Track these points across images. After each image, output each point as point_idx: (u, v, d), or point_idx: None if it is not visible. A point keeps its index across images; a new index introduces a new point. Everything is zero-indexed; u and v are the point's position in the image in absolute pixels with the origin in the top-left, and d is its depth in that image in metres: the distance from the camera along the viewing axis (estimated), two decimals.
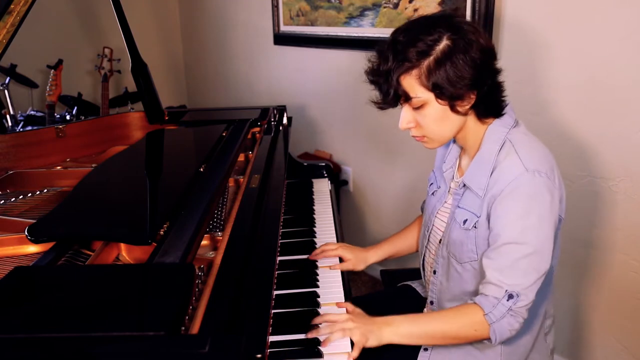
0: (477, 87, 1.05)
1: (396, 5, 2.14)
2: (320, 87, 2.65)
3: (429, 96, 1.05)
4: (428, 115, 1.08)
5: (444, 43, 1.02)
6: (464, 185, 1.16)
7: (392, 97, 1.07)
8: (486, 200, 1.10)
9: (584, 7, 1.58)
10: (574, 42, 1.62)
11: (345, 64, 2.44)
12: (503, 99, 1.13)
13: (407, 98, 1.06)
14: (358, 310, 1.18)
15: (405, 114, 1.10)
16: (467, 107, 1.07)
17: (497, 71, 1.10)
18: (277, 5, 2.70)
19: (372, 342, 1.07)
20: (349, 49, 2.39)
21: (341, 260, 1.41)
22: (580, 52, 1.61)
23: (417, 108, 1.08)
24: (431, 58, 1.02)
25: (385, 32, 2.20)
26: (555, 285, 1.26)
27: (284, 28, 2.72)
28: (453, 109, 1.07)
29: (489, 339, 1.07)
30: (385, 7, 2.19)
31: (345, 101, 2.52)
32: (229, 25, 3.14)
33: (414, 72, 1.03)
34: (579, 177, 1.69)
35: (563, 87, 1.68)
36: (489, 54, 1.06)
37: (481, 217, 1.11)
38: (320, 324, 1.10)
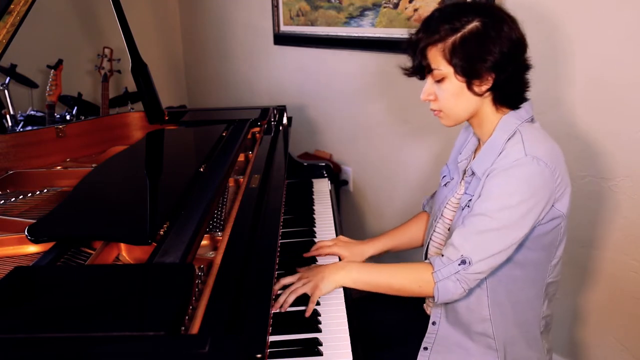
0: (497, 70, 1.08)
1: (396, 5, 2.14)
2: (320, 87, 2.65)
3: (449, 70, 1.09)
4: (446, 90, 1.12)
5: (474, 24, 1.06)
6: (473, 172, 1.17)
7: (417, 66, 1.14)
8: (482, 180, 1.13)
9: (588, 7, 1.57)
10: (577, 42, 1.62)
11: (345, 64, 2.44)
12: (524, 92, 1.16)
13: (429, 69, 1.12)
14: (313, 265, 1.31)
15: (427, 86, 1.15)
16: (484, 89, 1.11)
17: (525, 67, 1.13)
18: (277, 5, 2.70)
19: (328, 287, 1.18)
20: (349, 49, 2.38)
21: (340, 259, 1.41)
22: (584, 52, 1.61)
23: (438, 81, 1.12)
24: (458, 35, 1.07)
25: (385, 32, 2.20)
26: None
27: (284, 28, 2.72)
28: (469, 87, 1.10)
29: (432, 297, 1.13)
30: (385, 7, 2.19)
31: (345, 101, 2.52)
32: (229, 25, 3.14)
33: (440, 45, 1.08)
34: (580, 177, 1.69)
35: (565, 87, 1.68)
36: (517, 46, 1.09)
37: (475, 196, 1.14)
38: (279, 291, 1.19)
